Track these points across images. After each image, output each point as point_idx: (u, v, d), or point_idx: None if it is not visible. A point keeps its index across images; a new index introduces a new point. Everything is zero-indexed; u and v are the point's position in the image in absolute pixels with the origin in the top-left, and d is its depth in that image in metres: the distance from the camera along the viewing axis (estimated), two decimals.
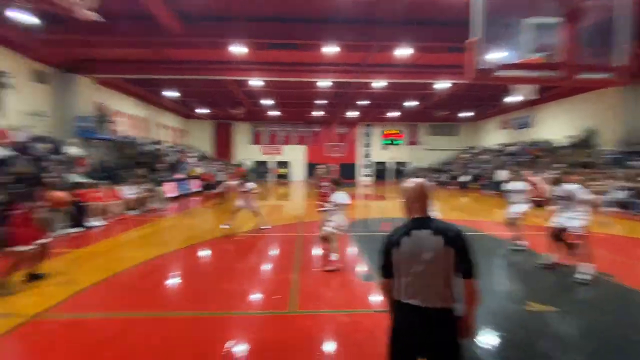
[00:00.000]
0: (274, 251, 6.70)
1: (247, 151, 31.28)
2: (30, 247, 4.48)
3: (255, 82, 17.70)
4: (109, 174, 12.16)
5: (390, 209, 12.94)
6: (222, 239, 7.45)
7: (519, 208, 6.15)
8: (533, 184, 6.04)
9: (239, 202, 7.93)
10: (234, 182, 8.35)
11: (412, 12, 10.64)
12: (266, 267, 5.72)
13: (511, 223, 6.33)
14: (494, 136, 26.59)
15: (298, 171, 31.10)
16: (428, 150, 31.49)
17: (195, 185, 18.40)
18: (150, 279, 5.05)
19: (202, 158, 25.72)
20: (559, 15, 3.91)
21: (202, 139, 30.35)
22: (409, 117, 29.18)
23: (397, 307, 1.77)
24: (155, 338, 3.26)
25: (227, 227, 7.75)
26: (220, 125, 30.41)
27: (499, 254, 6.14)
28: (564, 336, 3.41)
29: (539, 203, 5.78)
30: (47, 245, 4.82)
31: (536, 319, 3.64)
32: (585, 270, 4.63)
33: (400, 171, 31.48)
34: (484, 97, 22.12)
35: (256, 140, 31.44)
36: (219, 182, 14.06)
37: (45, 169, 9.43)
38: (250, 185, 7.85)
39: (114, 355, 2.97)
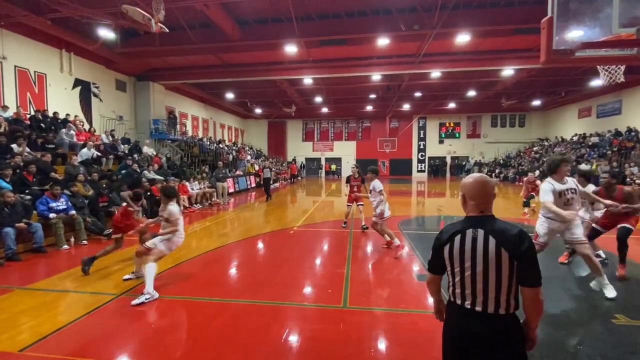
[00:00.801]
0: (326, 245, 6.78)
1: (299, 148, 32.02)
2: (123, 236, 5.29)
3: (307, 79, 18.00)
4: (177, 171, 13.37)
5: (449, 207, 12.29)
6: (278, 232, 7.74)
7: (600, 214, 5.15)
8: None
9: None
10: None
11: None
12: (319, 260, 5.80)
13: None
14: (570, 126, 23.74)
15: (349, 168, 31.07)
16: (490, 143, 29.20)
17: (252, 182, 19.54)
18: (212, 267, 5.44)
19: (258, 156, 26.94)
20: None
21: (258, 137, 31.79)
22: (469, 108, 27.33)
23: (449, 308, 1.70)
24: (217, 322, 3.51)
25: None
26: (274, 123, 31.57)
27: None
28: None
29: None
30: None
31: (624, 333, 3.17)
32: None
33: (461, 166, 29.65)
34: (559, 82, 19.80)
35: (307, 137, 32.05)
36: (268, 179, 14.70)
37: (131, 168, 10.65)
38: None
39: (176, 338, 3.27)
